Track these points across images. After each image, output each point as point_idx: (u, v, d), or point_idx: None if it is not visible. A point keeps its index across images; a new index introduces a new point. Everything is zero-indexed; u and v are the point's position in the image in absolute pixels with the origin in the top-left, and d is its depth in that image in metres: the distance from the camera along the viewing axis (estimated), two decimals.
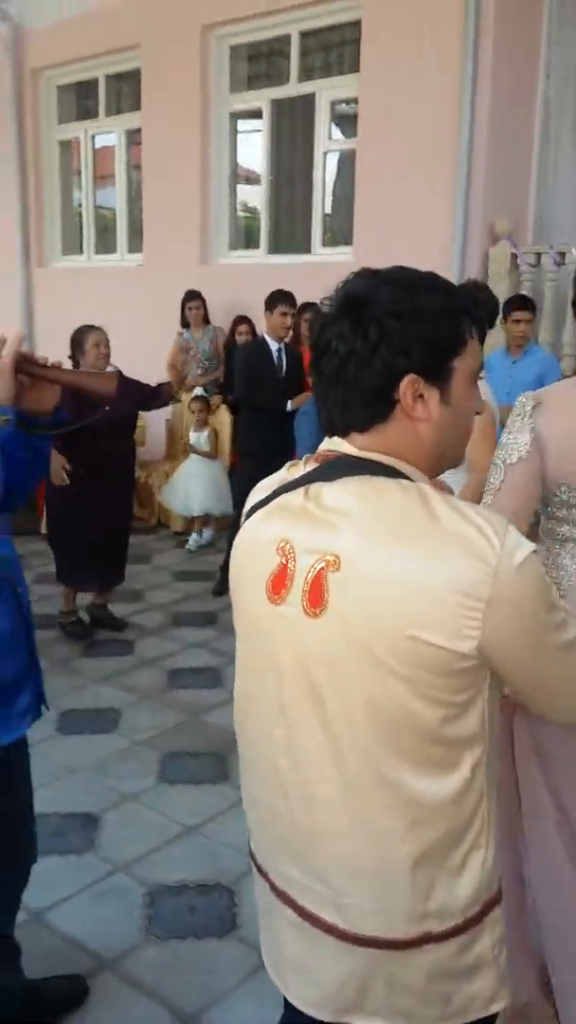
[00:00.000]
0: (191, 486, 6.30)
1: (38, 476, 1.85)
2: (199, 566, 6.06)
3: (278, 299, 5.14)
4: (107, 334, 4.50)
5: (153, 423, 6.98)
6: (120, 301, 7.67)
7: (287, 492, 1.18)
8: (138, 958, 2.43)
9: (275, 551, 1.16)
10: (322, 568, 1.09)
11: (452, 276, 5.96)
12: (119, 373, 1.64)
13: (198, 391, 6.68)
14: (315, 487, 1.15)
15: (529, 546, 1.07)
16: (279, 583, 1.15)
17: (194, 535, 6.43)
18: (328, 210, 7.21)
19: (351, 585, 1.07)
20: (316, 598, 1.10)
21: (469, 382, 1.17)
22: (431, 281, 1.15)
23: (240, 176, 8.05)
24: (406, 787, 1.10)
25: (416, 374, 1.11)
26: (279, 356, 5.17)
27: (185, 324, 6.98)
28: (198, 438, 6.41)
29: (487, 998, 1.20)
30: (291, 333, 5.44)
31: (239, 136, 7.67)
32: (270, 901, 1.29)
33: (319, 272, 6.21)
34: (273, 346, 5.17)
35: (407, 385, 1.11)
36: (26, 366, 1.66)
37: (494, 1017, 1.24)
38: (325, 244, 7.03)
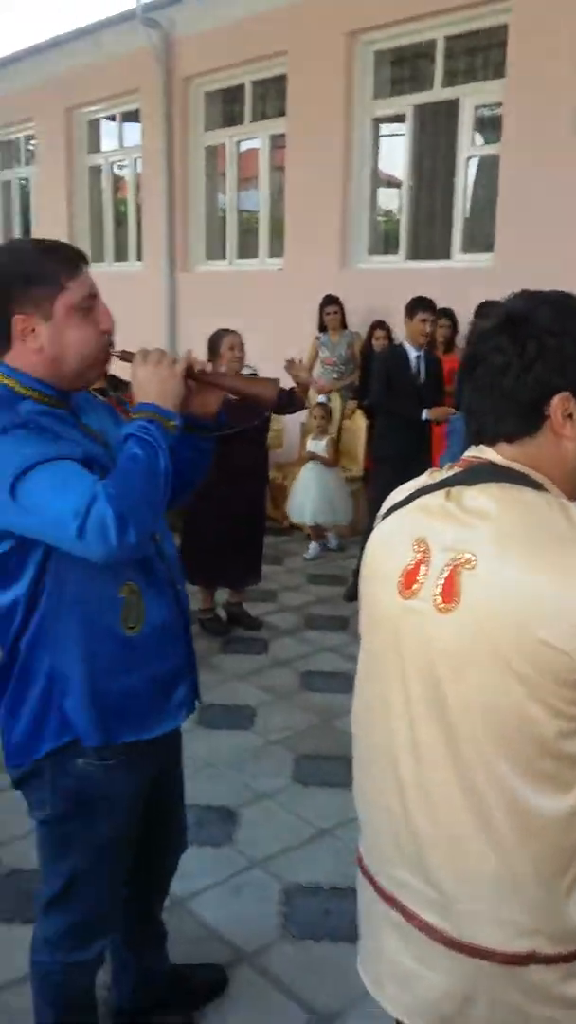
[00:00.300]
0: (306, 495, 6.28)
1: (200, 475, 1.93)
2: (332, 569, 6.14)
3: (418, 305, 5.15)
4: (242, 337, 4.62)
5: (289, 426, 7.11)
6: (260, 305, 7.83)
7: (427, 494, 1.23)
8: (275, 954, 2.53)
9: (411, 547, 1.20)
10: (457, 564, 1.13)
11: None
12: (277, 380, 1.73)
13: (321, 398, 6.73)
14: (456, 489, 1.20)
15: None
16: (412, 578, 1.19)
17: (312, 545, 6.44)
18: (468, 215, 7.14)
19: (485, 584, 1.10)
20: (449, 594, 1.14)
21: None
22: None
23: (381, 180, 8.07)
24: (519, 795, 1.11)
25: (569, 392, 1.15)
26: (418, 363, 5.18)
27: (323, 328, 7.07)
28: (316, 445, 6.40)
29: None
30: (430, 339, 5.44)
31: (381, 140, 7.68)
32: (374, 906, 1.31)
33: (458, 278, 6.16)
34: (412, 352, 5.19)
35: (559, 403, 1.15)
36: (195, 373, 1.74)
37: None
38: (465, 250, 6.97)
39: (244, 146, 8.98)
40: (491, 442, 1.22)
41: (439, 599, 1.14)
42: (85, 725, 1.69)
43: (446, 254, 7.07)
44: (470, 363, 1.22)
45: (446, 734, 1.15)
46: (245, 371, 5.27)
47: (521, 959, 1.15)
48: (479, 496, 1.16)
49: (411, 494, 1.27)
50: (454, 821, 1.16)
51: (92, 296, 1.65)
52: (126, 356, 1.71)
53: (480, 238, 6.99)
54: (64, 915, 1.86)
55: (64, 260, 1.62)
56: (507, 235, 6.25)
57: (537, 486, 1.16)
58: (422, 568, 1.18)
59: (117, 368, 1.88)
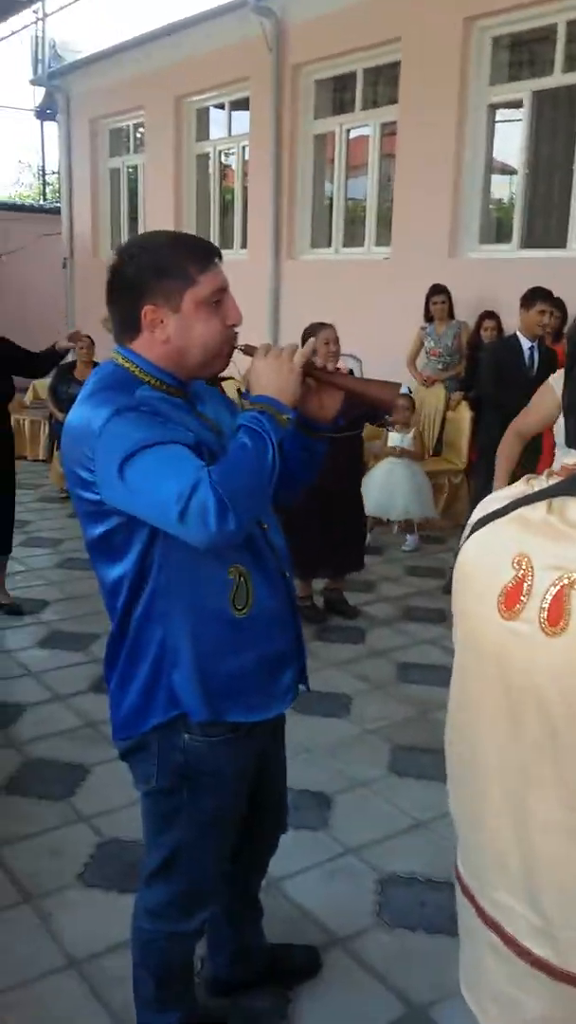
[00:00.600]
0: (397, 489, 6.06)
1: (311, 475, 1.94)
2: (431, 562, 6.07)
3: (538, 296, 5.01)
4: (336, 331, 4.56)
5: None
6: (365, 294, 7.79)
7: (526, 505, 1.13)
8: (369, 941, 2.51)
9: (511, 564, 1.10)
10: (565, 585, 1.04)
11: None
12: (399, 385, 1.71)
13: (403, 388, 6.63)
14: (559, 501, 1.09)
15: None
16: (513, 598, 1.10)
17: (409, 537, 6.34)
18: None
19: None
20: (556, 616, 1.04)
21: None
22: None
23: (494, 168, 7.90)
24: None
25: None
26: (531, 354, 5.05)
27: (429, 319, 6.98)
28: (401, 439, 6.19)
29: None
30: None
31: (496, 126, 7.52)
32: (474, 925, 1.26)
33: (574, 267, 5.96)
34: (525, 344, 5.06)
35: None
36: (315, 372, 1.73)
37: None
38: None
39: (353, 133, 8.92)
40: None
41: (545, 622, 1.05)
42: (192, 700, 1.71)
43: (562, 243, 6.88)
44: (573, 360, 1.12)
45: (553, 758, 1.08)
46: (347, 362, 5.27)
47: None
48: None
49: (508, 504, 1.16)
50: (562, 848, 1.10)
51: (222, 290, 1.67)
52: (248, 350, 1.73)
53: None
54: (166, 886, 1.89)
55: (197, 255, 1.65)
56: None
57: None
58: (524, 587, 1.09)
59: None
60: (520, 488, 1.18)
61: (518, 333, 5.12)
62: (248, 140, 9.70)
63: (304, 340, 4.59)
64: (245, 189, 9.93)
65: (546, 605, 1.05)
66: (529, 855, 1.13)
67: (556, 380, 2.51)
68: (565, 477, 1.13)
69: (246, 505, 1.53)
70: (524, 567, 1.09)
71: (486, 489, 4.09)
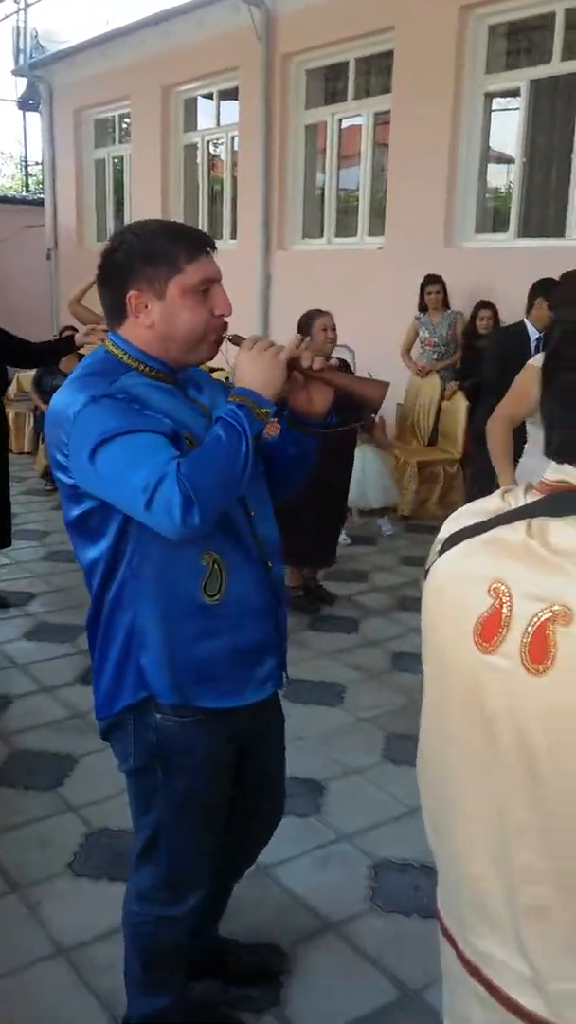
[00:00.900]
0: (365, 477, 6.00)
1: (305, 473, 1.95)
2: (425, 551, 5.93)
3: (551, 287, 4.97)
4: (334, 318, 4.54)
5: (386, 406, 7.00)
6: (358, 284, 7.75)
7: (503, 524, 1.03)
8: (362, 926, 2.49)
9: (487, 591, 1.01)
10: (548, 619, 0.94)
11: None
12: (387, 384, 1.69)
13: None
14: (539, 522, 1.00)
15: None
16: (491, 629, 1.00)
17: (382, 521, 6.34)
18: None
19: None
20: (539, 653, 0.95)
21: None
22: None
23: (491, 156, 7.86)
24: None
25: None
26: (538, 345, 5.01)
27: (423, 308, 6.94)
28: None
29: None
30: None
31: (492, 115, 7.48)
32: (456, 971, 1.17)
33: (573, 257, 5.98)
34: (533, 334, 4.99)
35: None
36: (300, 366, 1.73)
37: None
38: None
39: (345, 123, 8.87)
40: None
41: (527, 658, 0.96)
42: (160, 683, 1.73)
43: (560, 232, 6.84)
44: (554, 364, 1.01)
45: (539, 803, 0.99)
46: (341, 352, 5.23)
47: None
48: (571, 533, 0.97)
49: (482, 522, 1.06)
50: (550, 897, 1.01)
51: (210, 280, 1.69)
52: (236, 340, 1.74)
53: None
54: (152, 868, 1.90)
55: (186, 244, 1.67)
56: None
57: None
58: (502, 617, 0.99)
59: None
60: (496, 503, 1.09)
61: (526, 322, 5.06)
62: (237, 130, 9.63)
63: (301, 328, 4.57)
64: (234, 179, 9.87)
65: (527, 640, 0.96)
66: (514, 904, 1.04)
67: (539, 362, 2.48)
68: (545, 495, 1.03)
69: (213, 499, 1.55)
70: (501, 596, 1.00)
71: (483, 479, 4.05)
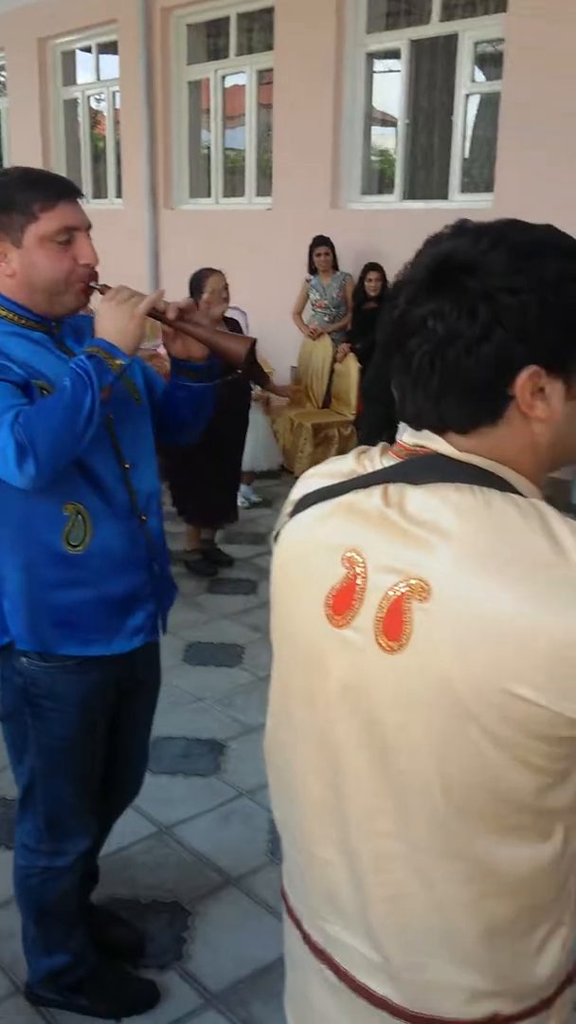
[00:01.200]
0: (256, 440, 5.92)
1: (200, 417, 1.96)
2: None
3: None
4: (226, 277, 4.52)
5: (280, 369, 7.01)
6: (247, 245, 7.68)
7: (358, 488, 0.96)
8: (263, 878, 2.53)
9: (340, 561, 0.94)
10: (405, 593, 0.88)
11: None
12: (254, 340, 1.71)
13: None
14: (396, 489, 0.93)
15: None
16: (343, 602, 0.94)
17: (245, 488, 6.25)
18: (467, 155, 6.98)
19: (442, 621, 0.86)
20: (394, 629, 0.89)
21: None
22: (553, 240, 0.91)
23: (375, 118, 7.88)
24: (481, 857, 0.93)
25: (538, 365, 0.88)
26: None
27: (313, 270, 6.94)
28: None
29: None
30: None
31: (375, 77, 7.49)
32: (301, 953, 1.12)
33: (456, 219, 6.08)
34: None
35: (527, 380, 0.88)
36: (162, 315, 1.72)
37: None
38: (463, 190, 6.83)
39: (229, 82, 8.72)
40: (437, 431, 0.94)
41: (381, 635, 0.90)
42: (19, 629, 1.76)
43: (444, 195, 6.93)
44: (397, 331, 0.93)
45: (389, 788, 0.94)
46: (232, 315, 5.19)
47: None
48: (431, 502, 0.90)
49: (335, 485, 0.99)
50: (398, 882, 0.97)
51: (71, 229, 1.67)
52: (104, 290, 1.74)
53: (481, 179, 6.85)
54: (32, 817, 1.94)
55: (43, 192, 1.65)
56: (507, 175, 6.12)
57: (505, 486, 0.91)
58: (356, 589, 0.93)
59: None
60: (350, 465, 1.02)
61: None
62: (119, 86, 9.36)
63: (192, 287, 4.53)
64: (118, 137, 9.60)
65: (382, 615, 0.90)
66: (363, 892, 1.00)
67: None
68: (403, 459, 0.97)
69: (51, 449, 1.55)
70: (356, 566, 0.93)
71: (374, 440, 4.08)
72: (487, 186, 6.49)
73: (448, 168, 6.89)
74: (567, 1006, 1.07)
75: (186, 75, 8.82)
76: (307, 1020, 1.15)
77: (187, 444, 2.02)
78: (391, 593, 0.89)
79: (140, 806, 2.82)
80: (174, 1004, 2.13)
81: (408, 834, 0.95)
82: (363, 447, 1.05)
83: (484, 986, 0.98)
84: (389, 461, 0.98)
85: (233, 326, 4.84)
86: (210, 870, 2.57)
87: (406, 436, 0.98)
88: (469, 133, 6.96)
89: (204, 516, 4.91)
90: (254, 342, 1.77)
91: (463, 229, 0.92)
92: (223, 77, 8.62)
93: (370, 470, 0.99)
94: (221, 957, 2.25)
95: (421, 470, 0.93)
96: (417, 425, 0.96)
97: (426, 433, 0.95)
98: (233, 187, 8.82)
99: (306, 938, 1.10)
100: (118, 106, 9.45)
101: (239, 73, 8.44)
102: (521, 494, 0.91)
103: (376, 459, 0.99)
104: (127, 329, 1.65)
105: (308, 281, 6.98)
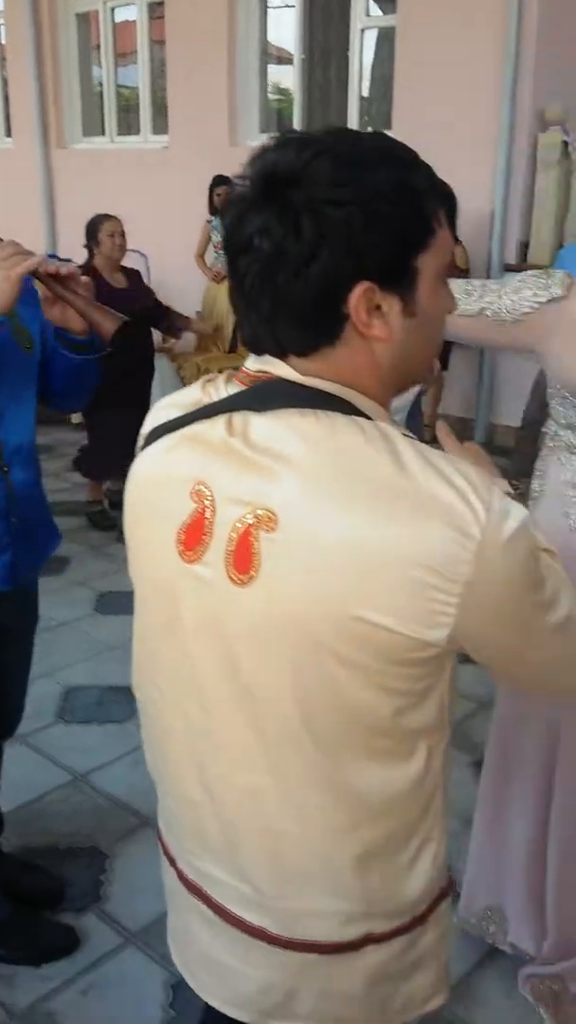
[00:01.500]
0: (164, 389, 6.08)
1: (82, 388, 1.94)
2: None
3: None
4: (122, 224, 4.45)
5: (185, 313, 6.88)
6: (145, 185, 7.47)
7: (202, 419, 0.94)
8: None
9: (188, 495, 0.92)
10: (252, 525, 0.87)
11: (499, 164, 5.75)
12: (122, 320, 1.69)
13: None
14: (240, 417, 0.91)
15: (519, 514, 0.85)
16: (194, 536, 0.92)
17: None
18: (365, 92, 6.91)
19: (289, 551, 0.85)
20: (243, 562, 0.88)
21: (438, 283, 0.91)
22: (385, 148, 0.86)
23: (271, 55, 7.70)
24: (347, 783, 0.94)
25: (371, 281, 0.85)
26: None
27: (214, 211, 6.80)
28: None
29: (425, 996, 1.10)
30: None
31: (269, 13, 7.30)
32: (177, 889, 1.13)
33: None
34: None
35: (360, 297, 0.85)
36: (45, 280, 1.68)
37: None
38: (362, 127, 6.77)
39: (120, 16, 8.36)
40: (277, 355, 0.91)
41: (231, 568, 0.89)
42: None
43: None
44: (227, 250, 0.89)
45: (250, 721, 0.94)
46: (133, 259, 5.06)
47: (354, 945, 1.01)
48: (275, 429, 0.88)
49: (181, 417, 0.96)
50: (266, 815, 0.97)
51: None
52: None
53: (379, 115, 6.79)
54: None
55: None
56: (404, 112, 6.09)
57: (350, 409, 0.88)
58: (205, 523, 0.91)
59: None
60: (195, 395, 0.99)
61: None
62: (3, 19, 8.87)
63: (88, 233, 4.45)
64: (4, 73, 9.13)
65: (232, 548, 0.89)
66: (230, 828, 1.00)
67: None
68: (248, 386, 0.93)
69: None
70: (204, 500, 0.91)
71: None
72: (386, 123, 6.45)
73: (346, 106, 6.82)
74: (442, 920, 1.09)
75: (73, 7, 8.42)
76: (190, 957, 1.15)
77: (71, 411, 2.02)
78: (239, 525, 0.88)
79: (55, 756, 2.82)
80: (93, 945, 2.13)
81: (274, 766, 0.94)
82: (210, 375, 1.02)
83: (357, 909, 1.00)
84: (234, 389, 0.95)
85: (133, 276, 4.72)
86: (127, 813, 2.57)
87: (249, 362, 0.95)
88: (367, 72, 6.87)
89: (100, 468, 4.81)
90: (127, 322, 1.70)
91: (288, 140, 0.88)
92: (112, 10, 8.27)
93: (216, 399, 0.96)
94: (139, 896, 2.26)
95: (265, 396, 0.90)
96: (257, 350, 0.93)
97: (267, 358, 0.92)
98: (128, 125, 8.52)
99: (181, 876, 1.11)
100: (3, 41, 8.98)
101: (129, 6, 8.11)
102: (367, 417, 0.89)
103: (221, 387, 0.97)
104: (1, 289, 1.61)
105: (209, 222, 6.84)
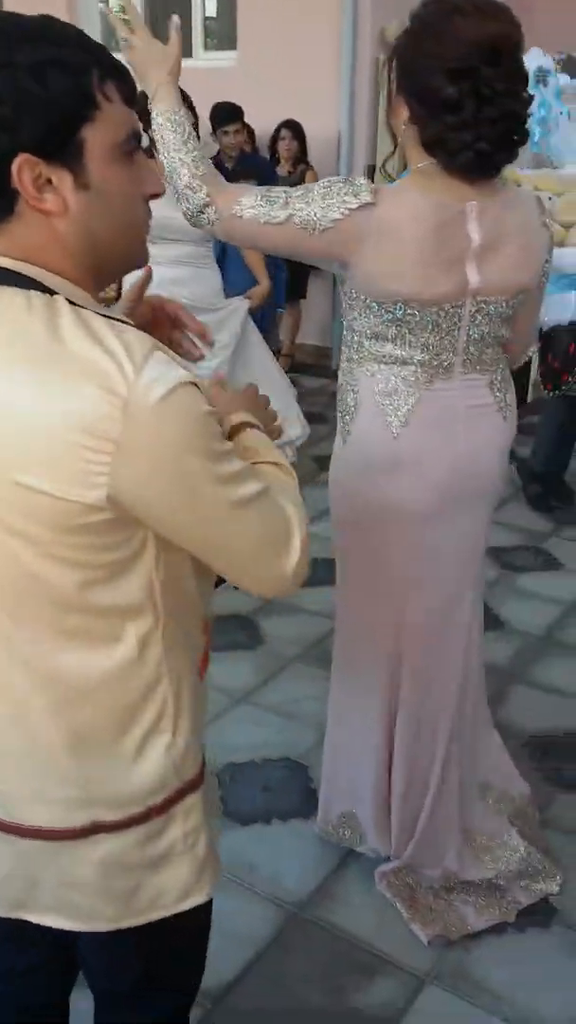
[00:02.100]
0: None
1: None
2: None
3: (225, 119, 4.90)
4: None
5: None
6: None
7: None
8: None
9: None
10: None
11: (341, 84, 5.69)
12: None
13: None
14: None
15: (175, 377, 0.86)
16: None
17: None
18: (211, 12, 6.67)
19: None
20: None
21: (116, 157, 0.91)
22: (39, 29, 0.88)
23: None
24: (47, 664, 0.95)
25: (30, 153, 0.86)
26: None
27: None
28: None
29: (180, 891, 1.09)
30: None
31: None
32: None
33: (201, 78, 5.91)
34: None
35: (20, 169, 0.86)
36: None
37: (202, 912, 1.16)
38: (208, 48, 6.54)
39: None
40: None
41: None
42: None
43: (188, 53, 6.56)
44: None
45: None
46: None
47: (82, 832, 1.02)
48: None
49: None
50: None
51: None
52: None
53: (225, 37, 6.54)
54: None
55: None
56: (249, 33, 5.89)
57: (34, 285, 0.89)
58: None
59: None
60: None
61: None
62: None
63: None
64: None
65: None
66: None
67: None
68: None
69: None
70: None
71: None
72: (232, 44, 6.25)
73: (191, 26, 6.58)
74: (193, 814, 1.08)
75: None
76: None
77: None
78: None
79: None
80: None
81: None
82: None
83: (76, 794, 1.01)
84: None
85: None
86: None
87: None
88: None
89: None
90: None
91: None
92: None
93: None
94: None
95: None
96: None
97: None
98: None
99: None
100: None
101: None
102: (55, 293, 0.90)
103: None
104: None
105: None
